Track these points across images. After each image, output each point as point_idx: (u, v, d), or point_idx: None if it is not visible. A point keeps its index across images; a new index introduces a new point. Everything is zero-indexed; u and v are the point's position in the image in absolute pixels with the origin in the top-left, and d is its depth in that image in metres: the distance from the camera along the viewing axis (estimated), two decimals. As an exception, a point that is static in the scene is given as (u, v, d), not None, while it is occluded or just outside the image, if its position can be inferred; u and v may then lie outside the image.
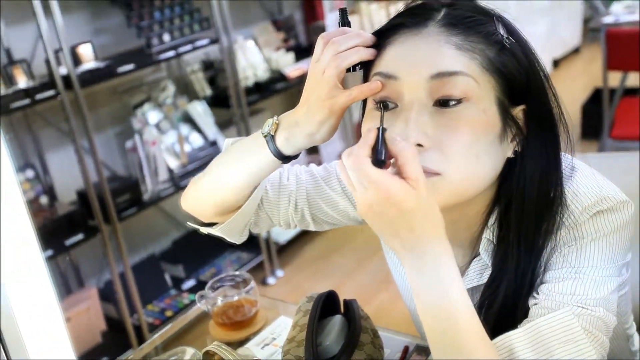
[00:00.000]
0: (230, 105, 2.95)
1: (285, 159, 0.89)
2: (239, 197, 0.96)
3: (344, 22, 0.84)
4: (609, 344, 0.82)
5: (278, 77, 3.17)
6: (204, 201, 1.00)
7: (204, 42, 2.75)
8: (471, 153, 0.75)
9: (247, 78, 3.07)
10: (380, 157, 0.68)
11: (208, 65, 3.08)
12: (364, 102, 0.86)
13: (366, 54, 0.81)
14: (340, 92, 0.80)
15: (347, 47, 0.80)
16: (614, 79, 3.22)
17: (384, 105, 0.78)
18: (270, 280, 3.14)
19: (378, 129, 0.69)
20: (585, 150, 3.94)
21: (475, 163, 0.76)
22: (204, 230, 1.05)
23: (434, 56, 0.76)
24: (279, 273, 3.19)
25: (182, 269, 2.98)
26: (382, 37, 0.81)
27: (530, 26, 4.91)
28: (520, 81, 0.79)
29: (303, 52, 3.38)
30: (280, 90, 3.18)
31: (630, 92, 3.76)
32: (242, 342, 1.21)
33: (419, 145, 0.74)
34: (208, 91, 3.03)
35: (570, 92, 4.96)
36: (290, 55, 3.28)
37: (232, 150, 0.97)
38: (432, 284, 0.69)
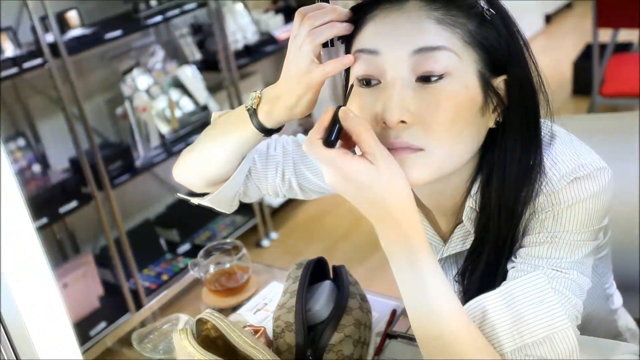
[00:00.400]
0: (220, 69, 2.94)
1: (267, 132, 0.91)
2: (227, 169, 0.98)
3: None
4: (590, 304, 0.86)
5: (268, 39, 3.14)
6: (193, 173, 1.02)
7: (192, 5, 2.72)
8: (454, 128, 0.76)
9: (237, 41, 3.05)
10: (330, 137, 0.72)
11: (197, 29, 3.05)
12: (347, 83, 0.87)
13: (341, 28, 0.81)
14: (316, 67, 0.81)
15: (322, 22, 0.81)
16: (606, 34, 3.20)
17: (366, 81, 0.79)
18: (265, 242, 3.17)
19: (335, 108, 0.72)
20: (577, 107, 3.95)
21: (458, 138, 0.77)
22: (194, 201, 1.07)
23: (415, 31, 0.76)
24: (273, 235, 3.22)
25: (176, 234, 3.01)
26: (362, 12, 0.81)
27: (523, -18, 4.85)
28: (500, 52, 0.80)
29: (292, 13, 3.33)
30: (270, 53, 3.16)
31: (622, 47, 3.75)
32: (234, 308, 1.24)
33: (403, 122, 0.75)
34: (197, 55, 3.01)
35: (562, 48, 4.94)
36: (280, 17, 3.24)
37: (218, 124, 0.98)
38: (411, 281, 0.76)
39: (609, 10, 2.87)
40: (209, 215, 3.14)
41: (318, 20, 0.81)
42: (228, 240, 1.31)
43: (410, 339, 1.08)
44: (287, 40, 3.10)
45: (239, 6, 3.14)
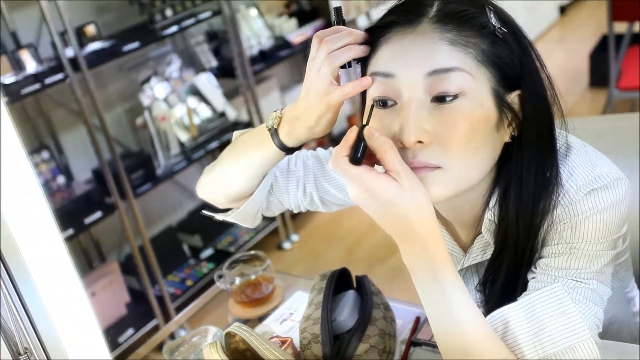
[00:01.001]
0: (236, 75, 2.97)
1: (288, 150, 0.94)
2: (249, 186, 1.01)
3: (339, 20, 0.87)
4: (611, 307, 0.87)
5: (282, 43, 3.17)
6: (216, 191, 1.05)
7: (207, 14, 2.76)
8: (470, 146, 0.78)
9: (252, 47, 3.08)
10: (357, 154, 0.75)
11: (212, 36, 3.08)
12: (363, 101, 0.89)
13: (358, 51, 0.84)
14: (335, 88, 0.84)
15: (339, 45, 0.83)
16: (622, 25, 3.17)
17: (382, 102, 0.81)
18: (286, 245, 3.20)
19: (359, 127, 0.74)
20: (594, 100, 3.92)
21: (475, 154, 0.79)
22: (219, 217, 1.10)
23: (428, 54, 0.78)
24: (294, 237, 3.25)
25: (199, 239, 3.05)
26: (376, 35, 0.83)
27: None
28: (513, 68, 0.81)
29: (306, 17, 3.37)
30: (284, 57, 3.18)
31: (639, 38, 3.71)
32: (261, 319, 1.27)
33: (420, 142, 0.77)
34: (213, 62, 3.04)
35: (578, 39, 4.90)
36: (293, 21, 3.27)
37: (240, 143, 1.01)
38: (434, 296, 0.78)
39: (622, 3, 2.85)
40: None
41: (335, 44, 0.83)
42: (252, 252, 1.33)
43: (435, 346, 1.10)
44: (301, 43, 3.15)
45: (253, 12, 3.17)
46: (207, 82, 2.92)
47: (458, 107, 0.77)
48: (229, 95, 3.05)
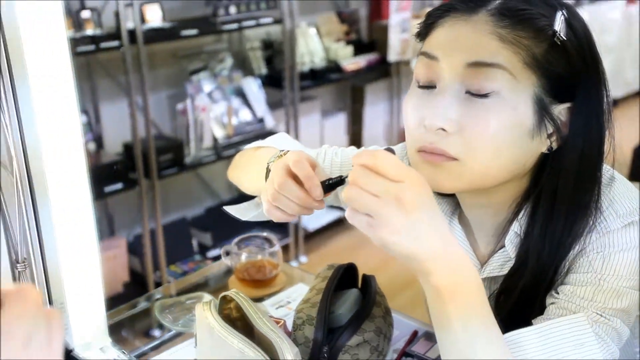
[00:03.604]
0: (283, 87, 3.00)
1: None
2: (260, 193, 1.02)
3: (331, 183, 0.81)
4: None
5: (334, 67, 3.20)
6: (239, 184, 1.09)
7: (268, 20, 2.80)
8: (492, 145, 0.76)
9: (304, 63, 3.11)
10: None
11: (267, 45, 3.13)
12: None
13: (289, 216, 0.84)
14: (265, 204, 0.86)
15: (288, 197, 0.82)
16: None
17: (422, 84, 0.80)
18: (293, 264, 3.17)
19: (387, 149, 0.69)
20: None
21: (496, 155, 0.77)
22: (243, 218, 1.08)
23: (474, 44, 0.76)
24: (303, 259, 3.22)
25: (210, 237, 3.04)
26: (434, 17, 0.83)
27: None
28: (567, 80, 0.78)
29: (363, 47, 3.41)
30: (333, 81, 3.21)
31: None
32: (258, 300, 1.24)
33: (442, 129, 0.76)
34: (264, 70, 3.08)
35: (626, 132, 4.86)
36: (350, 49, 3.31)
37: (252, 159, 1.04)
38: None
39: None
40: (244, 225, 3.15)
41: (286, 193, 0.82)
42: (264, 233, 1.32)
43: (428, 361, 1.06)
44: (352, 71, 3.19)
45: (312, 31, 3.22)
46: (253, 87, 2.95)
47: (490, 104, 0.76)
48: (272, 105, 3.08)
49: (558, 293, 0.82)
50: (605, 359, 0.76)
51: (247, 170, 1.06)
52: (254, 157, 1.05)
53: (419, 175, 0.66)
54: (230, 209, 1.06)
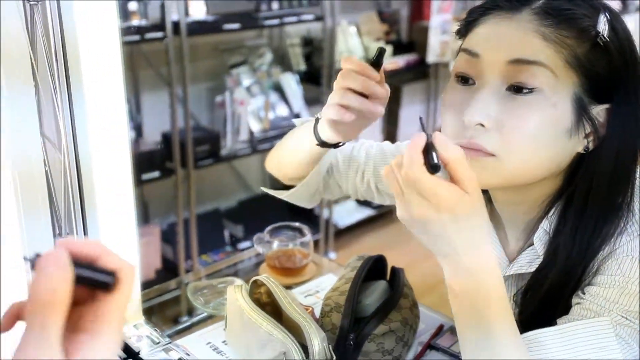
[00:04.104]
0: (320, 84, 3.02)
1: (325, 145, 0.97)
2: (303, 171, 1.06)
3: (377, 61, 0.89)
4: None
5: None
6: (278, 169, 1.13)
7: (309, 17, 2.83)
8: (530, 142, 0.77)
9: (342, 61, 3.13)
10: (432, 161, 0.65)
11: (307, 42, 3.16)
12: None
13: (361, 104, 0.88)
14: (329, 107, 0.91)
15: (350, 86, 0.88)
16: None
17: (463, 79, 0.82)
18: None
19: (427, 135, 0.66)
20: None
21: (532, 153, 0.77)
22: (275, 194, 1.15)
23: (517, 41, 0.77)
24: (332, 255, 3.24)
25: (241, 230, 3.08)
26: (476, 14, 0.83)
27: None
28: (607, 81, 0.79)
29: (402, 48, 3.41)
30: (371, 80, 3.22)
31: None
32: (287, 288, 1.27)
33: (481, 125, 0.77)
34: (302, 66, 3.11)
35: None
36: (389, 48, 3.31)
37: (295, 132, 1.07)
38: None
39: None
40: (276, 219, 3.18)
41: (348, 83, 0.88)
42: (296, 223, 1.34)
43: (452, 355, 1.07)
44: (390, 71, 3.19)
45: (352, 29, 3.23)
46: (291, 83, 2.98)
47: (530, 101, 0.76)
48: (309, 101, 3.10)
49: (584, 293, 0.82)
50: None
51: (289, 138, 1.08)
52: (292, 132, 1.09)
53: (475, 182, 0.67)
54: (285, 197, 1.12)
